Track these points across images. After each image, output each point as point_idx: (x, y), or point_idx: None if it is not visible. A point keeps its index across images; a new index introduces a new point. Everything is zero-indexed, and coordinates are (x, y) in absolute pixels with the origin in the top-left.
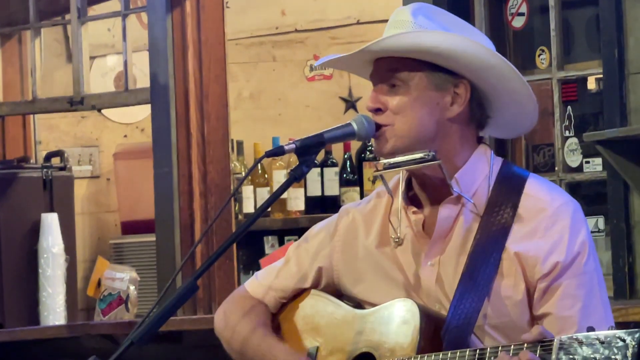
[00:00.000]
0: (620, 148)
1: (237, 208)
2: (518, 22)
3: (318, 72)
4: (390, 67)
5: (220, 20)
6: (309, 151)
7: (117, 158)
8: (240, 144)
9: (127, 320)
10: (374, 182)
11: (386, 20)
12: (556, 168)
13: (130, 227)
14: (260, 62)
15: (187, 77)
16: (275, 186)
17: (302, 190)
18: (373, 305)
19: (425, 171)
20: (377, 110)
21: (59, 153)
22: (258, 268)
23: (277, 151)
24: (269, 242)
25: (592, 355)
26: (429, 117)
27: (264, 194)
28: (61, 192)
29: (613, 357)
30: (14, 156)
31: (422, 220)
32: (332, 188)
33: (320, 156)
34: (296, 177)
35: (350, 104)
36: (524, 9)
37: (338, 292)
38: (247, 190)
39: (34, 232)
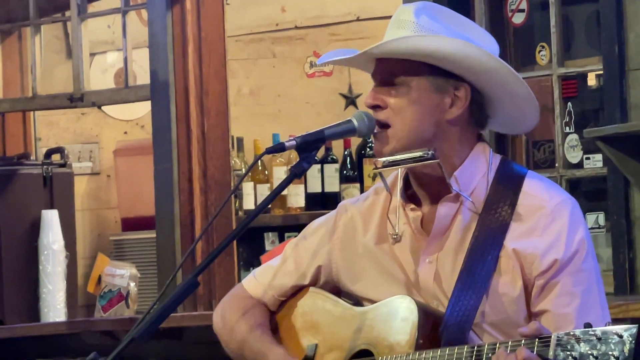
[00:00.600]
0: (620, 144)
1: (237, 204)
2: (518, 19)
3: (318, 69)
4: (391, 68)
5: (220, 17)
6: (309, 148)
7: (117, 155)
8: (240, 141)
9: (128, 317)
10: (374, 178)
11: (386, 17)
12: (556, 164)
13: (130, 224)
14: (260, 59)
15: (187, 74)
16: (276, 183)
17: (302, 186)
18: (372, 302)
19: (424, 170)
20: (376, 107)
21: (59, 150)
22: (258, 264)
23: (277, 148)
24: (269, 238)
25: (589, 352)
26: (427, 118)
27: (264, 190)
28: (61, 189)
29: (610, 352)
30: (14, 153)
31: (421, 218)
32: (332, 184)
33: (321, 153)
34: (296, 173)
35: (350, 100)
36: (524, 5)
37: (337, 289)
38: (248, 187)
39: (34, 228)
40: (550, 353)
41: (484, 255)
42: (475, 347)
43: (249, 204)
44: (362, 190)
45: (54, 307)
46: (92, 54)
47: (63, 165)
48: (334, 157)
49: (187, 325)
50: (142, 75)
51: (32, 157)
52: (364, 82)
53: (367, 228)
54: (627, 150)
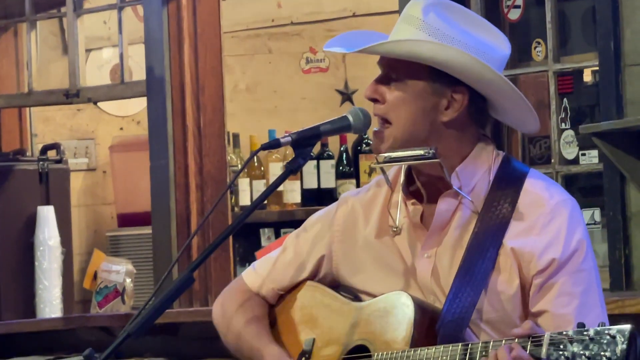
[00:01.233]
0: (616, 140)
1: (233, 200)
2: (514, 15)
3: (314, 65)
4: (391, 64)
5: (216, 13)
6: (305, 144)
7: (113, 150)
8: (236, 137)
9: (124, 313)
10: (370, 174)
11: (382, 13)
12: (552, 160)
13: (126, 220)
14: (256, 55)
15: (183, 70)
16: (272, 179)
17: (298, 182)
18: (371, 295)
19: (424, 168)
20: (375, 100)
21: (55, 146)
22: (254, 260)
23: (273, 144)
24: (265, 234)
25: (581, 352)
26: (422, 118)
27: (260, 186)
28: (57, 185)
29: (602, 353)
30: (10, 149)
31: (421, 212)
32: (329, 180)
33: (317, 149)
34: (292, 169)
35: (346, 96)
36: (519, 1)
37: (335, 283)
38: (243, 183)
39: (30, 224)
40: (543, 352)
41: (483, 252)
42: (470, 345)
43: (244, 199)
44: (358, 186)
45: (50, 303)
46: (88, 50)
47: (59, 161)
48: (330, 153)
49: (183, 321)
50: (138, 71)
51: (28, 153)
52: (360, 78)
53: (368, 220)
54: (623, 146)
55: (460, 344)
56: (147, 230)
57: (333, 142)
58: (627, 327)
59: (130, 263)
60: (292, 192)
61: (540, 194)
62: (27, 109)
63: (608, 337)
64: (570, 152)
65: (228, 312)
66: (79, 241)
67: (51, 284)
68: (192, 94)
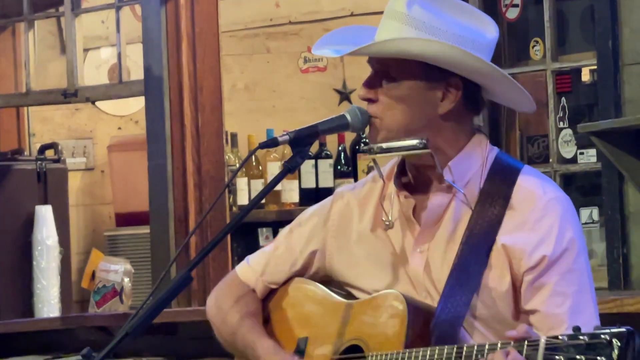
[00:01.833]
0: (614, 139)
1: (231, 200)
2: (512, 14)
3: (312, 64)
4: (382, 63)
5: (214, 12)
6: (303, 142)
7: (111, 150)
8: (234, 136)
9: (122, 312)
10: (368, 172)
11: (380, 12)
12: (550, 159)
13: (124, 219)
14: (254, 54)
15: (181, 69)
16: (270, 178)
17: (296, 182)
18: (364, 290)
19: (418, 159)
20: (369, 100)
21: (53, 145)
22: None
23: (270, 143)
24: (263, 233)
25: (577, 356)
26: (418, 113)
27: (258, 185)
28: (55, 184)
29: (598, 357)
30: (8, 148)
31: (413, 205)
32: (327, 180)
33: (315, 148)
34: (290, 168)
35: (344, 95)
36: (517, 0)
37: (328, 278)
38: (242, 182)
39: (28, 224)
40: (539, 356)
41: (477, 249)
42: (465, 348)
43: (243, 199)
44: None
45: (48, 303)
46: (86, 50)
47: (57, 161)
48: (328, 153)
49: (182, 320)
50: (136, 71)
51: (26, 153)
52: (358, 78)
53: (362, 215)
54: (621, 145)
55: (455, 346)
56: (145, 229)
57: (331, 141)
58: (622, 330)
59: (128, 262)
60: (290, 192)
61: (534, 190)
62: (25, 108)
63: (604, 341)
64: (568, 151)
65: (223, 308)
66: (77, 241)
67: (49, 283)
68: (190, 93)
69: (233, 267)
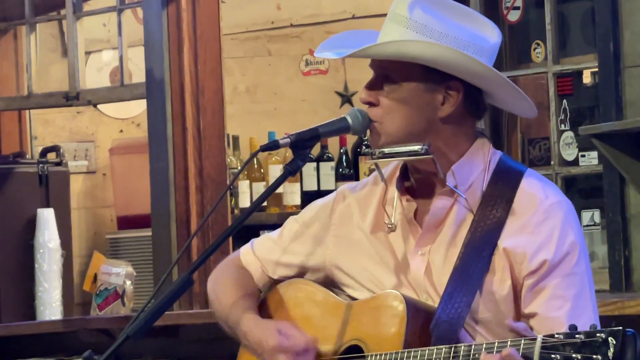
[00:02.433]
0: (615, 141)
1: (233, 202)
2: (513, 16)
3: (314, 67)
4: (383, 66)
5: (215, 15)
6: (304, 145)
7: (113, 153)
8: (236, 139)
9: (124, 315)
10: (370, 175)
11: (382, 15)
12: (552, 162)
13: (126, 222)
14: (255, 57)
15: (183, 72)
16: (272, 181)
17: (298, 184)
18: (363, 291)
19: (419, 163)
20: (370, 104)
21: (54, 148)
22: None
23: (271, 145)
24: None
25: (573, 355)
26: (418, 117)
27: (259, 188)
28: (57, 187)
29: (594, 356)
30: (10, 151)
31: (415, 209)
32: (328, 182)
33: (316, 151)
34: (291, 171)
35: (345, 98)
36: (519, 2)
37: (329, 279)
38: (243, 185)
39: (30, 227)
40: (535, 354)
41: (479, 253)
42: (463, 347)
43: (244, 202)
44: None
45: (50, 306)
46: (88, 53)
47: (59, 164)
48: (330, 155)
49: (183, 323)
50: (137, 74)
51: (28, 156)
52: (359, 80)
53: (363, 216)
54: (623, 148)
55: (452, 346)
56: (147, 232)
57: (333, 144)
58: (619, 329)
59: (130, 265)
60: (291, 194)
61: (536, 194)
62: (27, 111)
63: (600, 339)
64: (569, 154)
65: (219, 288)
66: (79, 243)
67: (51, 286)
68: (192, 96)
69: None
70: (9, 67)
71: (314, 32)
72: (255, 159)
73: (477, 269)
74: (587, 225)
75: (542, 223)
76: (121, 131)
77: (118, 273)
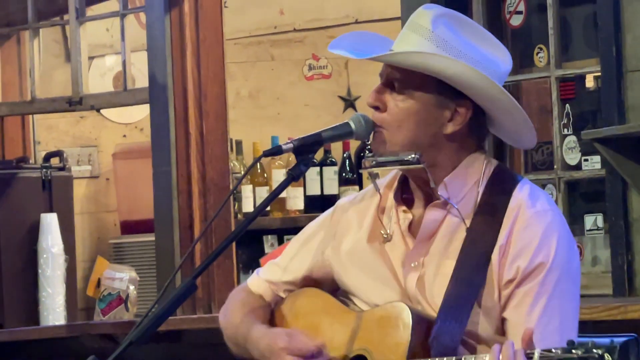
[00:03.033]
0: (618, 146)
1: (236, 207)
2: (516, 21)
3: (317, 71)
4: (397, 74)
5: (218, 20)
6: (307, 150)
7: (116, 158)
8: (239, 143)
9: (127, 320)
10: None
11: (384, 20)
12: (555, 166)
13: (129, 227)
14: (258, 62)
15: (186, 77)
16: (275, 185)
17: (301, 189)
18: (363, 301)
19: (415, 173)
20: (376, 108)
21: (58, 153)
22: (257, 267)
23: (275, 150)
24: (268, 241)
25: None
26: (424, 130)
27: (263, 193)
28: (60, 192)
29: None
30: (13, 156)
31: (410, 220)
32: (332, 187)
33: (320, 155)
34: (294, 176)
35: (349, 103)
36: (521, 7)
37: (334, 287)
38: (246, 190)
39: (34, 232)
40: None
41: (474, 265)
42: (463, 358)
43: (247, 206)
44: None
45: (54, 311)
46: (91, 58)
47: (62, 169)
48: (333, 160)
49: (186, 328)
50: (140, 79)
51: (31, 161)
52: (362, 85)
53: (360, 226)
54: (625, 152)
55: (454, 357)
56: (150, 237)
57: (336, 148)
58: (615, 345)
59: (133, 270)
60: (295, 199)
61: (524, 201)
62: (30, 116)
63: (597, 355)
64: (572, 158)
65: (228, 311)
66: (82, 248)
67: (54, 291)
68: (195, 101)
69: (238, 274)
70: (12, 72)
71: (317, 37)
72: (258, 164)
73: (472, 282)
74: (590, 230)
75: (524, 230)
76: (124, 136)
77: (121, 278)
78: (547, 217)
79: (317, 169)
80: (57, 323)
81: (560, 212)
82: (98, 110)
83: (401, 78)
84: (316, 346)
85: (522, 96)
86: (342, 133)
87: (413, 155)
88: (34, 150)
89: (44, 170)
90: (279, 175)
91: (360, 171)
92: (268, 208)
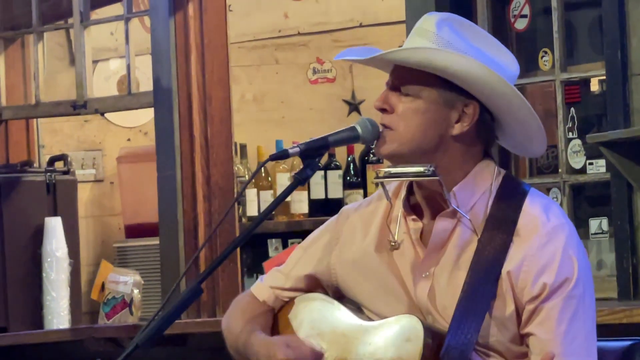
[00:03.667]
0: (623, 149)
1: (240, 211)
2: (521, 24)
3: (321, 75)
4: (405, 75)
5: (223, 24)
6: (313, 154)
7: (120, 161)
8: (243, 147)
9: (131, 324)
10: (377, 185)
11: (389, 23)
12: (560, 169)
13: (134, 231)
14: (263, 65)
15: (190, 81)
16: (279, 189)
17: (305, 193)
18: (370, 310)
19: (425, 183)
20: (384, 110)
21: (62, 157)
22: (262, 271)
23: (281, 155)
24: (273, 245)
25: None
26: (432, 130)
27: (267, 197)
28: (65, 196)
29: None
30: (18, 160)
31: (421, 229)
32: (336, 191)
33: (324, 159)
34: (300, 180)
35: (353, 106)
36: (526, 10)
37: (340, 294)
38: (251, 194)
39: (38, 236)
40: None
41: (486, 277)
42: None
43: (252, 210)
44: (365, 197)
45: (58, 314)
46: (95, 61)
47: (66, 173)
48: (338, 164)
49: (191, 331)
50: (145, 82)
51: (36, 165)
52: (367, 89)
53: (366, 233)
54: (630, 156)
55: None
56: (154, 241)
57: (340, 152)
58: None
59: (137, 274)
60: (299, 203)
61: (538, 216)
62: (35, 120)
63: None
64: (577, 162)
65: (230, 318)
66: (87, 252)
67: (59, 295)
68: (199, 104)
69: (243, 278)
70: (16, 76)
71: (322, 41)
72: (263, 168)
73: (484, 293)
74: (595, 233)
75: (544, 247)
76: (129, 140)
77: (126, 282)
78: (565, 230)
79: (322, 172)
80: (61, 327)
81: (570, 222)
82: (102, 114)
83: (407, 79)
84: (314, 357)
85: (526, 100)
86: (349, 137)
87: (427, 167)
88: (38, 154)
89: (49, 174)
90: (283, 179)
91: (373, 182)
92: (272, 212)
